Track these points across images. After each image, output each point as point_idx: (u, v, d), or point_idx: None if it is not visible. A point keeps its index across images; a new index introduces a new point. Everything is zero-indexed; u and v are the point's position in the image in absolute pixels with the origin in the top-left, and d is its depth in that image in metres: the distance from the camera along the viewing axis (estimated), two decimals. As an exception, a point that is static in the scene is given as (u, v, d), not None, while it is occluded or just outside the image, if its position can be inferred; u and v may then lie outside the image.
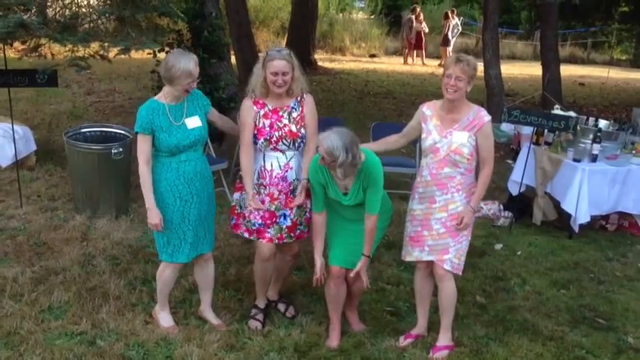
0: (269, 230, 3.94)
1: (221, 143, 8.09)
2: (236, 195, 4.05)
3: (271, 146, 3.85)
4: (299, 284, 4.76)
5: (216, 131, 7.99)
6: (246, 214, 3.96)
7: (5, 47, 5.82)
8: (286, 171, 3.90)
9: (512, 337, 4.20)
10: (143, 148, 3.72)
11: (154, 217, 3.76)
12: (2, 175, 6.76)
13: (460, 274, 3.94)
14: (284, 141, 3.84)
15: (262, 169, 3.90)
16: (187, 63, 3.62)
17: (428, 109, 3.88)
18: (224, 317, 4.25)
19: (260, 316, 4.19)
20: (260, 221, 3.92)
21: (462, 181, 3.78)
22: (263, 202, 3.91)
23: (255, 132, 3.85)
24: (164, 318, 4.11)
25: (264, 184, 3.90)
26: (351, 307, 4.20)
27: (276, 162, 3.89)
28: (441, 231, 3.82)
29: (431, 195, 3.82)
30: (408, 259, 4.01)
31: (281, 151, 3.88)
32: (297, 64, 3.82)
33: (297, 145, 3.89)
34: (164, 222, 3.79)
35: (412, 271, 4.21)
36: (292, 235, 4.01)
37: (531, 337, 4.23)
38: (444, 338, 4.01)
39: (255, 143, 3.87)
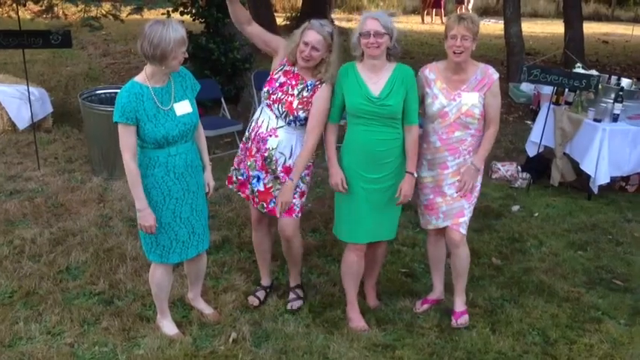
0: (248, 187, 3.82)
1: (237, 104, 8.06)
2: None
3: (268, 101, 3.67)
4: (314, 246, 4.77)
5: (232, 92, 8.00)
6: (236, 163, 3.86)
7: (19, 8, 5.80)
8: (269, 135, 3.66)
9: (527, 299, 4.19)
10: (128, 141, 3.16)
11: (147, 218, 3.25)
12: (20, 137, 6.81)
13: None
14: (279, 106, 3.64)
15: (256, 122, 3.76)
16: (176, 30, 3.08)
17: (430, 72, 3.69)
18: (239, 278, 4.27)
19: (260, 293, 4.08)
20: (245, 172, 3.78)
21: (472, 143, 3.66)
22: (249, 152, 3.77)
23: (268, 78, 3.72)
24: (167, 326, 3.68)
25: (250, 137, 3.77)
26: (370, 282, 4.08)
27: (267, 122, 3.70)
28: (455, 195, 3.71)
29: (443, 161, 3.69)
30: (428, 227, 3.90)
31: (274, 114, 3.68)
32: (337, 48, 3.56)
33: (287, 120, 3.63)
34: None
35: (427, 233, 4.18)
36: (265, 205, 3.76)
37: (547, 298, 4.22)
38: (461, 302, 3.94)
39: (260, 89, 3.78)
